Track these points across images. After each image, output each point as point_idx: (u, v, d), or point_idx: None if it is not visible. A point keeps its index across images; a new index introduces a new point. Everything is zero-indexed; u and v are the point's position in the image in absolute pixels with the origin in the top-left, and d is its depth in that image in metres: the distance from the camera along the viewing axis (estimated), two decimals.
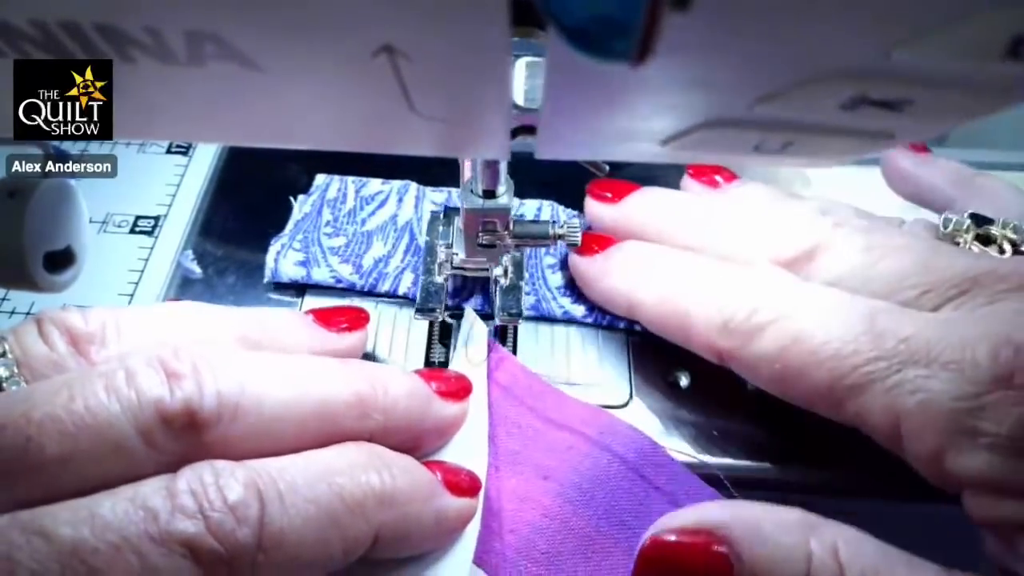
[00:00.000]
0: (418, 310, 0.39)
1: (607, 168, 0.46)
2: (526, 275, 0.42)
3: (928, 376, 0.30)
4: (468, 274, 0.41)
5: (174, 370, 0.28)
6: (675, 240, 0.40)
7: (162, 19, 0.17)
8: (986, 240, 0.37)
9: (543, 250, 0.45)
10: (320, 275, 0.43)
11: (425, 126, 0.21)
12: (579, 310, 0.42)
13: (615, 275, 0.40)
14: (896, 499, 0.37)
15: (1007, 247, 0.37)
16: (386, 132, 0.22)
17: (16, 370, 0.29)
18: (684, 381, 0.40)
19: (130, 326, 0.32)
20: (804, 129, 0.21)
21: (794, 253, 0.36)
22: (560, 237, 0.38)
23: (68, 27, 0.18)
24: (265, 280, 0.43)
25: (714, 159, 0.24)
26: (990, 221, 0.38)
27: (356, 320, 0.37)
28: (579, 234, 0.38)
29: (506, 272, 0.40)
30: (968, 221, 0.38)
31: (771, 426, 0.38)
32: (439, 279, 0.40)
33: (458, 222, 0.40)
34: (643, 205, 0.42)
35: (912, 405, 0.30)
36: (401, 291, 0.42)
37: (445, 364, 0.40)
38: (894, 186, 0.45)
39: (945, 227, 0.38)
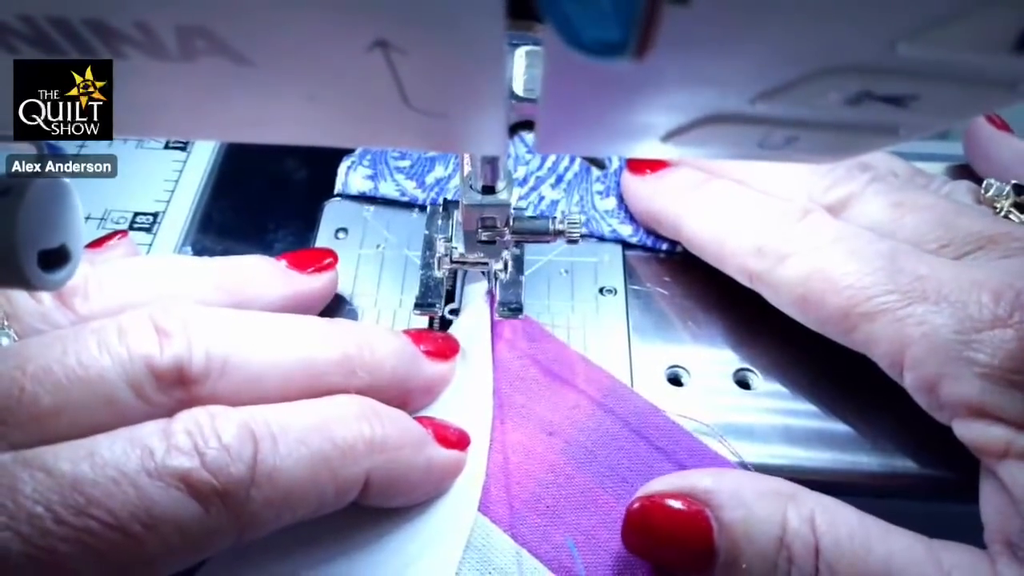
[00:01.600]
0: (417, 305, 0.39)
1: (607, 164, 0.46)
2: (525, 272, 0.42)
3: (936, 311, 0.32)
4: (468, 268, 0.41)
5: (164, 328, 0.29)
6: (722, 173, 0.42)
7: (152, 14, 0.17)
8: (1023, 208, 0.39)
9: (593, 176, 0.48)
10: (386, 188, 0.47)
11: (421, 122, 0.20)
12: (626, 230, 0.46)
13: (665, 195, 0.43)
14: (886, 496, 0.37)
15: None
16: (381, 127, 0.22)
17: (5, 323, 0.31)
18: (684, 379, 0.40)
19: (112, 280, 0.33)
20: (808, 125, 0.21)
21: (829, 200, 0.38)
22: (560, 233, 0.38)
23: (58, 23, 0.17)
24: (335, 192, 0.47)
25: (717, 155, 0.24)
26: None
27: (326, 263, 0.39)
28: (579, 229, 0.38)
29: (506, 267, 0.40)
30: (1009, 187, 0.40)
31: (771, 420, 0.38)
32: (438, 274, 0.40)
33: (457, 216, 0.40)
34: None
35: (917, 335, 0.32)
36: None
37: None
38: (970, 155, 0.47)
39: (986, 191, 0.40)
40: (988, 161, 0.45)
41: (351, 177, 0.48)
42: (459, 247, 0.40)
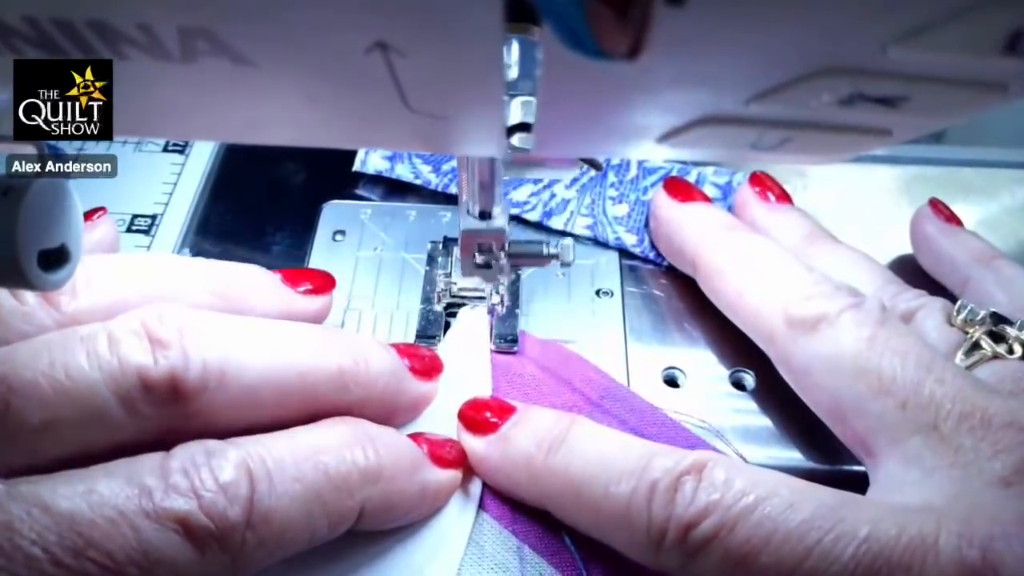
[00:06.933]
0: (418, 336, 0.41)
1: (603, 165, 0.46)
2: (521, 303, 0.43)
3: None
4: (466, 303, 0.41)
5: (159, 337, 0.28)
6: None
7: (155, 15, 0.17)
8: (997, 338, 0.34)
9: (608, 181, 0.48)
10: (402, 170, 0.49)
11: (419, 123, 0.20)
12: (631, 239, 0.46)
13: (688, 229, 0.42)
14: None
15: (1017, 349, 0.34)
16: (380, 129, 0.22)
17: None
18: (681, 380, 0.40)
19: (101, 277, 0.32)
20: (801, 125, 0.21)
21: (800, 314, 0.34)
22: (554, 256, 0.38)
23: (61, 24, 0.18)
24: (353, 169, 0.49)
25: (712, 156, 0.24)
26: (1009, 322, 0.35)
27: (323, 284, 0.38)
28: (572, 252, 0.39)
29: (502, 301, 0.41)
30: (985, 313, 0.36)
31: (767, 421, 0.38)
32: (438, 308, 0.42)
33: (456, 250, 0.41)
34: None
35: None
36: None
37: None
38: (916, 250, 0.43)
39: (958, 313, 0.36)
40: (937, 260, 0.41)
41: (370, 156, 0.49)
42: (458, 281, 0.41)
